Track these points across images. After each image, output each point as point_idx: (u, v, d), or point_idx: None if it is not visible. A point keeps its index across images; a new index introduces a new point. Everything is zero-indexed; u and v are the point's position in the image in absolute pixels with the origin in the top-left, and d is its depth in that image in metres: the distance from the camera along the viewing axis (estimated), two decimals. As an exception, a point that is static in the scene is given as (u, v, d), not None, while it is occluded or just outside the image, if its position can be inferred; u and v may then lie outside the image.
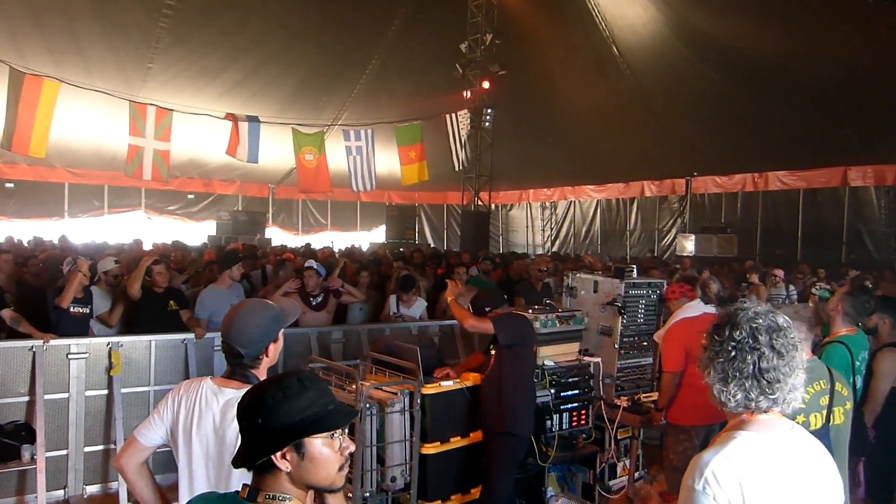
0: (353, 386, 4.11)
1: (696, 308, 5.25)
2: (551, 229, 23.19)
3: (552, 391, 5.08)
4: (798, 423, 3.18)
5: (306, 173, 15.78)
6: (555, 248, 22.02)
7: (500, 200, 23.98)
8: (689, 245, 16.78)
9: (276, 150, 17.24)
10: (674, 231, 19.06)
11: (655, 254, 18.55)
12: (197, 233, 20.07)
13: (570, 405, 5.19)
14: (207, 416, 2.43)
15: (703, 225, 17.57)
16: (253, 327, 2.49)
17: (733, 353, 1.83)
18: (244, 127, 14.77)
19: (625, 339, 5.85)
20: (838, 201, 15.51)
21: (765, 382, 1.80)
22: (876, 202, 14.91)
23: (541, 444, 4.99)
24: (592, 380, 5.43)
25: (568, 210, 22.66)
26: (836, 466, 1.95)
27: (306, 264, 7.31)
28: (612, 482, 5.80)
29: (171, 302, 6.31)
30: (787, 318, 1.92)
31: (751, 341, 1.83)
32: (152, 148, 13.79)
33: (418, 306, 7.39)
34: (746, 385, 1.81)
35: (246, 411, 1.73)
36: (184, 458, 2.47)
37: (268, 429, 1.70)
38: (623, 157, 18.36)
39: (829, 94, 12.76)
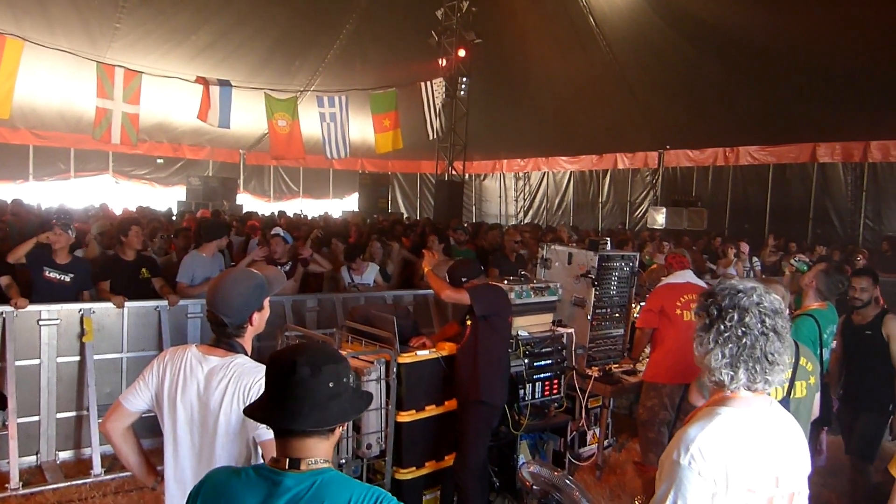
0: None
1: (682, 276, 5.44)
2: (524, 200, 23.25)
3: (525, 361, 5.15)
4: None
5: (279, 139, 15.60)
6: (528, 219, 22.10)
7: (473, 170, 23.94)
8: (659, 218, 16.98)
9: (248, 115, 16.97)
10: (646, 204, 19.25)
11: (627, 226, 18.74)
12: (166, 198, 19.74)
13: (542, 375, 5.27)
14: (192, 382, 2.44)
15: (674, 198, 17.77)
16: (236, 296, 2.49)
17: (745, 340, 1.84)
18: (215, 91, 14.52)
19: (597, 311, 5.94)
20: (806, 177, 15.77)
21: (767, 364, 1.84)
22: (843, 178, 15.19)
23: (514, 413, 5.07)
24: (565, 350, 5.51)
25: (541, 181, 22.72)
26: (804, 440, 2.01)
27: (273, 232, 7.27)
28: (582, 450, 5.94)
29: (143, 270, 6.24)
30: (778, 297, 1.96)
31: (760, 326, 1.85)
32: (121, 111, 13.52)
33: (370, 272, 7.44)
34: (756, 368, 1.84)
35: (336, 371, 1.72)
36: (168, 424, 2.48)
37: (358, 392, 1.80)
38: (597, 129, 18.42)
39: (800, 71, 12.91)
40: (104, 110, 13.32)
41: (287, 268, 6.96)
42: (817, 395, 3.75)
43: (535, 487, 4.83)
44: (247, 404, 2.00)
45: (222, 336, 2.51)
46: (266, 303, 2.59)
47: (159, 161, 20.73)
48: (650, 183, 19.40)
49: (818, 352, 4.44)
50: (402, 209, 24.20)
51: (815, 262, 6.69)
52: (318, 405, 1.68)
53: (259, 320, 2.56)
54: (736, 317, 1.86)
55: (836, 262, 7.97)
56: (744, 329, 1.85)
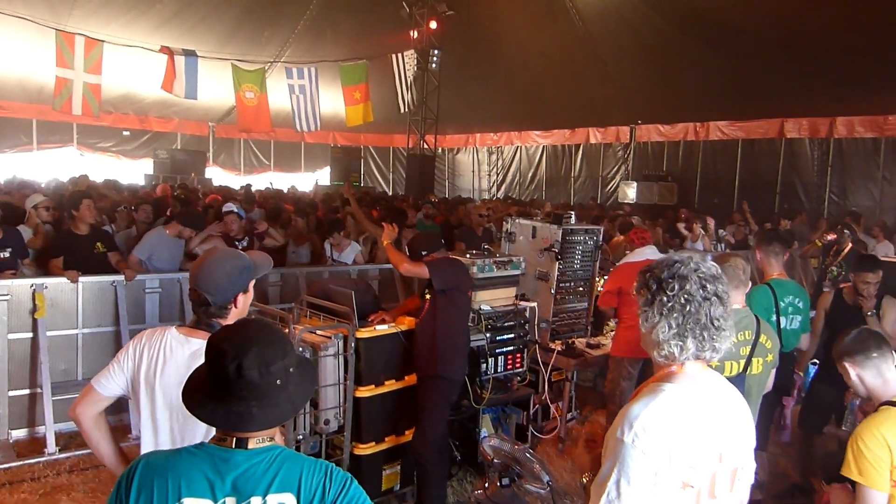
0: (287, 330, 4.06)
1: (641, 254, 5.47)
2: (497, 174, 23.20)
3: (487, 335, 5.15)
4: (713, 366, 3.32)
5: (246, 112, 15.33)
6: (501, 193, 22.07)
7: (446, 144, 23.79)
8: (630, 192, 17.04)
9: (217, 87, 16.60)
10: (617, 178, 19.29)
11: (598, 200, 18.79)
12: (133, 171, 19.38)
13: (505, 349, 5.28)
14: (171, 366, 2.36)
15: (645, 173, 17.84)
16: (222, 275, 2.42)
17: (689, 307, 1.82)
18: (181, 61, 14.18)
19: (561, 285, 5.93)
20: (774, 152, 15.90)
21: (714, 330, 1.81)
22: (810, 154, 15.34)
23: (475, 387, 5.08)
24: (528, 324, 5.51)
25: (514, 155, 22.66)
26: (749, 415, 2.01)
27: (225, 208, 7.13)
28: (544, 423, 5.97)
29: (98, 244, 6.09)
30: (716, 264, 1.93)
31: (702, 292, 1.82)
32: (82, 80, 13.14)
33: (350, 251, 7.36)
34: (704, 335, 1.82)
35: (284, 367, 1.65)
36: (146, 409, 2.40)
37: (303, 374, 1.75)
38: (569, 104, 18.34)
39: (769, 47, 12.92)
40: (64, 80, 12.93)
41: (244, 244, 6.86)
42: (772, 371, 3.78)
43: (495, 461, 4.86)
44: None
45: (204, 316, 2.43)
46: (251, 286, 2.52)
47: (126, 133, 20.33)
48: (622, 157, 19.44)
49: (775, 319, 4.47)
50: (374, 183, 24.05)
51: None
52: (268, 406, 1.62)
53: (243, 303, 2.49)
54: (676, 286, 1.84)
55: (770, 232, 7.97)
56: (686, 297, 1.82)
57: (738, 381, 3.41)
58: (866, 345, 2.81)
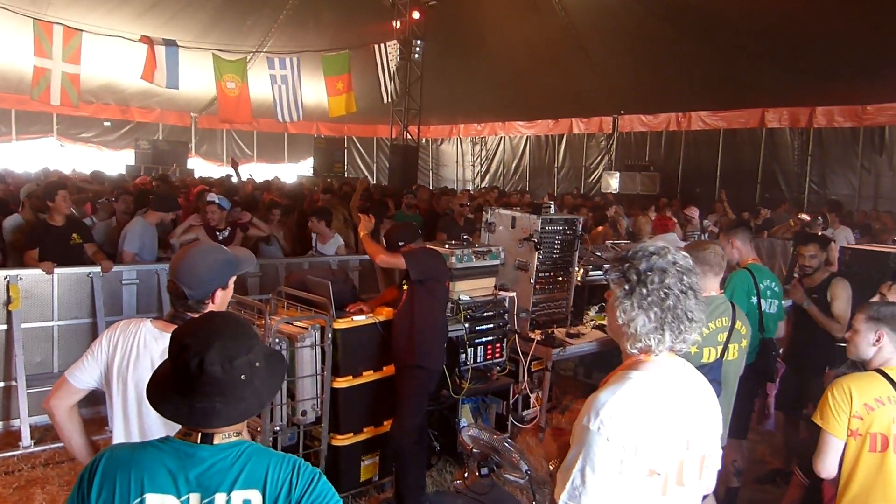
0: (263, 321, 4.04)
1: (664, 241, 5.47)
2: (481, 165, 23.19)
3: (466, 325, 5.15)
4: (692, 353, 3.34)
5: (227, 102, 15.24)
6: (485, 184, 22.07)
7: (430, 135, 23.75)
8: (613, 182, 17.10)
9: (199, 77, 16.47)
10: (600, 168, 19.35)
11: (582, 190, 18.83)
12: (114, 162, 19.17)
13: (484, 339, 5.28)
14: (145, 359, 2.33)
15: (628, 163, 17.90)
16: (203, 267, 2.38)
17: (668, 302, 1.81)
18: (161, 51, 14.07)
19: (541, 275, 5.92)
20: (755, 142, 16.02)
21: (688, 322, 1.82)
22: (790, 143, 15.47)
23: (455, 377, 5.08)
24: (507, 314, 5.52)
25: (498, 146, 22.66)
26: (717, 402, 2.01)
27: (208, 198, 7.07)
28: (525, 413, 5.98)
29: (75, 235, 6.02)
30: (685, 255, 1.94)
31: (679, 285, 1.83)
32: (60, 70, 13.00)
33: (333, 243, 7.34)
34: (679, 328, 1.82)
35: (248, 361, 1.61)
36: (118, 402, 2.37)
37: (271, 367, 1.71)
38: (552, 94, 18.36)
39: (750, 38, 12.99)
40: (42, 70, 12.79)
41: (225, 234, 6.81)
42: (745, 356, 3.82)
43: (474, 450, 4.86)
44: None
45: (180, 309, 2.39)
46: (231, 283, 2.48)
47: (106, 124, 20.15)
48: (605, 148, 19.49)
49: (756, 301, 4.53)
50: (358, 173, 23.94)
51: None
52: (232, 401, 1.58)
53: (221, 299, 2.44)
54: (656, 279, 1.83)
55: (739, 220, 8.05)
56: (665, 290, 1.82)
57: (716, 366, 3.45)
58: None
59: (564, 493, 1.76)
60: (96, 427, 2.33)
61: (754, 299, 4.56)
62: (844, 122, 14.51)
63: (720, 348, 3.51)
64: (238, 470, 1.59)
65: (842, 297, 4.84)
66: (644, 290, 1.83)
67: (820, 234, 7.77)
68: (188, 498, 1.56)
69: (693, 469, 1.87)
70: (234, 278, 2.49)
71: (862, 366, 3.04)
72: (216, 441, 1.60)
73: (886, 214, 11.50)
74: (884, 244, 7.51)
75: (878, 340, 2.88)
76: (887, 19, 10.97)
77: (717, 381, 3.45)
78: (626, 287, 1.86)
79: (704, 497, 3.67)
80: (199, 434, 1.60)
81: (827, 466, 2.81)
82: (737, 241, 4.82)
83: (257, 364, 1.63)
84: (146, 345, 2.35)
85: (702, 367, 3.36)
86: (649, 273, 1.83)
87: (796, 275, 5.44)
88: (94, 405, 5.19)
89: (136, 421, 2.36)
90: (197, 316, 2.34)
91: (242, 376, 1.58)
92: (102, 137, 20.14)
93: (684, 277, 1.84)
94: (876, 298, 3.90)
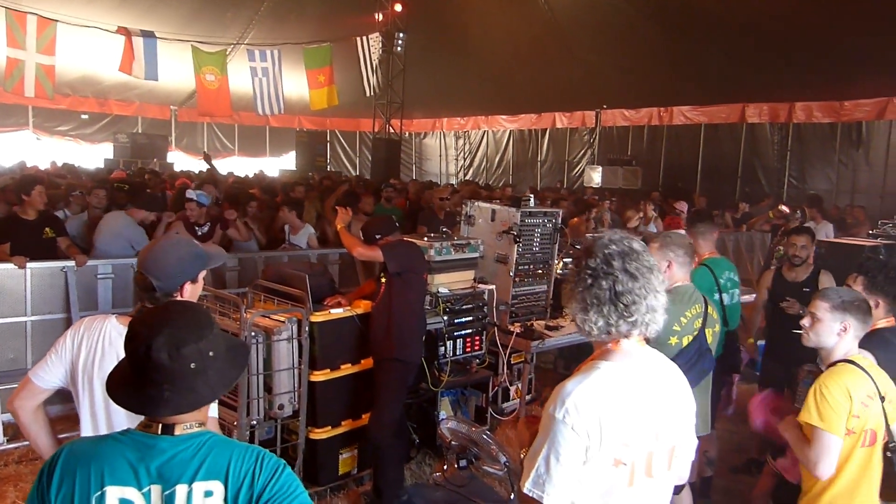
0: (239, 314, 4.01)
1: None
2: (465, 158, 23.18)
3: (445, 318, 5.14)
4: (671, 344, 3.36)
5: (207, 95, 15.08)
6: (468, 178, 22.06)
7: (413, 129, 23.69)
8: (596, 176, 17.17)
9: (179, 69, 16.26)
10: (583, 162, 19.40)
11: (565, 185, 18.89)
12: (92, 156, 18.94)
13: (463, 331, 5.28)
14: (111, 356, 2.27)
15: (611, 157, 17.96)
16: (173, 259, 2.33)
17: (590, 281, 1.84)
18: (139, 42, 13.87)
19: (520, 267, 5.93)
20: (736, 137, 16.14)
21: (622, 306, 1.81)
22: (770, 138, 15.59)
23: (434, 370, 5.07)
24: (486, 307, 5.52)
25: (481, 140, 22.65)
26: (689, 392, 2.01)
27: (187, 195, 7.00)
28: (505, 405, 6.00)
29: (47, 229, 5.93)
30: (642, 243, 1.93)
31: (605, 267, 1.83)
32: (34, 62, 12.78)
33: (304, 233, 7.30)
34: (605, 311, 1.82)
35: (198, 350, 1.57)
36: (85, 402, 2.32)
37: (231, 356, 1.67)
38: (536, 88, 18.36)
39: (731, 33, 13.07)
40: (16, 61, 12.56)
41: (205, 230, 6.76)
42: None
43: (453, 443, 4.85)
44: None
45: (148, 303, 2.33)
46: (201, 277, 2.43)
47: (84, 117, 19.89)
48: (588, 142, 19.54)
49: (718, 297, 4.56)
50: (341, 167, 23.85)
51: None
52: (182, 389, 1.55)
53: (190, 293, 2.38)
54: (583, 262, 1.87)
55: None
56: (589, 271, 1.85)
57: (691, 351, 3.49)
58: (869, 314, 2.89)
59: (529, 480, 1.77)
60: (71, 424, 2.29)
61: (717, 295, 4.58)
62: (823, 117, 14.65)
63: (697, 334, 3.54)
64: (200, 461, 1.56)
65: None
66: (579, 275, 1.87)
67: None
68: (149, 490, 1.53)
69: (662, 460, 1.87)
70: (204, 273, 2.45)
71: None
72: (177, 432, 1.57)
73: (858, 209, 11.67)
74: (856, 237, 7.60)
75: (843, 331, 2.87)
76: (865, 17, 11.10)
77: (708, 350, 3.50)
78: (575, 278, 1.90)
79: (680, 488, 3.72)
80: (160, 425, 1.57)
81: (828, 467, 2.69)
82: (697, 235, 4.86)
83: (211, 354, 1.59)
84: (111, 342, 2.30)
85: (686, 348, 3.41)
86: (585, 258, 1.88)
87: (774, 265, 5.49)
88: (68, 402, 5.14)
89: (104, 419, 2.32)
90: None
91: (192, 365, 1.55)
92: (80, 130, 19.89)
93: (613, 261, 1.84)
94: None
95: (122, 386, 1.60)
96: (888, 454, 2.77)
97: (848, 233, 9.33)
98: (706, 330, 3.60)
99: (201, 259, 2.43)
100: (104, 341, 2.30)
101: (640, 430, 1.80)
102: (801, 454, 2.81)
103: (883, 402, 2.73)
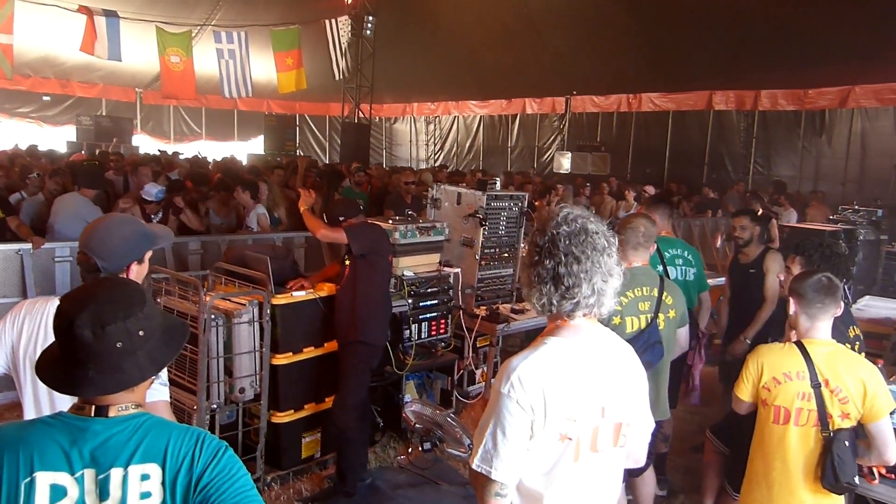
0: (198, 297, 3.95)
1: None
2: (435, 144, 23.10)
3: (410, 301, 5.12)
4: (616, 323, 3.38)
5: (171, 77, 14.85)
6: (439, 163, 21.99)
7: (383, 113, 23.53)
8: (565, 162, 17.24)
9: (144, 51, 15.96)
10: (553, 148, 19.45)
11: (535, 170, 18.92)
12: (55, 138, 18.49)
13: (429, 315, 5.27)
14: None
15: (580, 143, 18.03)
16: (118, 238, 2.24)
17: (536, 258, 1.85)
18: (101, 21, 13.59)
19: (486, 251, 5.93)
20: (703, 124, 16.30)
21: (563, 287, 1.81)
22: (736, 125, 15.78)
23: (399, 353, 5.06)
24: (452, 290, 5.51)
25: (452, 125, 22.58)
26: (641, 371, 2.02)
27: (143, 196, 6.90)
28: (470, 388, 6.01)
29: (-5, 210, 5.79)
30: (600, 223, 1.92)
31: (550, 247, 1.83)
32: (-10, 40, 12.43)
33: (254, 214, 7.19)
34: (544, 290, 1.83)
35: (125, 329, 1.50)
36: (28, 388, 2.24)
37: (167, 336, 1.61)
38: (506, 74, 18.33)
39: (699, 21, 13.17)
40: (-30, 40, 12.21)
41: (159, 216, 6.67)
42: (682, 330, 3.87)
43: (417, 426, 4.87)
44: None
45: None
46: (147, 257, 2.34)
47: (46, 98, 19.40)
48: (557, 128, 19.58)
49: (661, 270, 4.62)
50: (311, 152, 23.60)
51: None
52: (107, 369, 1.48)
53: (136, 274, 2.28)
54: (536, 240, 1.89)
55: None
56: (537, 250, 1.87)
57: (652, 331, 3.51)
58: (820, 292, 2.93)
59: (477, 456, 1.77)
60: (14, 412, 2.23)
61: (660, 267, 4.64)
62: (788, 105, 14.84)
63: (643, 318, 3.56)
64: (136, 444, 1.50)
65: (774, 269, 4.98)
66: (534, 255, 1.88)
67: (761, 212, 7.97)
68: (82, 474, 1.47)
69: (608, 436, 1.87)
70: (149, 253, 2.36)
71: None
72: (111, 414, 1.51)
73: (813, 195, 11.99)
74: (816, 223, 7.75)
75: (795, 313, 2.96)
76: (829, 6, 11.26)
77: (659, 342, 3.51)
78: (530, 256, 1.91)
79: (642, 470, 3.76)
80: (93, 407, 1.51)
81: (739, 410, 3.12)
82: (655, 216, 4.92)
83: (141, 333, 1.52)
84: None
85: (634, 338, 3.42)
86: (539, 238, 1.88)
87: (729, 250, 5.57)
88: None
89: (47, 406, 2.25)
90: None
91: (119, 344, 1.48)
92: (42, 112, 19.40)
93: (559, 242, 1.83)
94: (783, 274, 4.03)
95: (48, 364, 1.54)
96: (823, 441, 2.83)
97: (806, 218, 9.52)
98: (659, 315, 3.62)
99: (147, 238, 2.35)
100: (46, 324, 2.21)
101: (585, 405, 1.81)
102: None
103: (818, 387, 2.80)
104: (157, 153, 15.09)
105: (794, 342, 2.94)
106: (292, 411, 4.53)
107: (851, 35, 11.30)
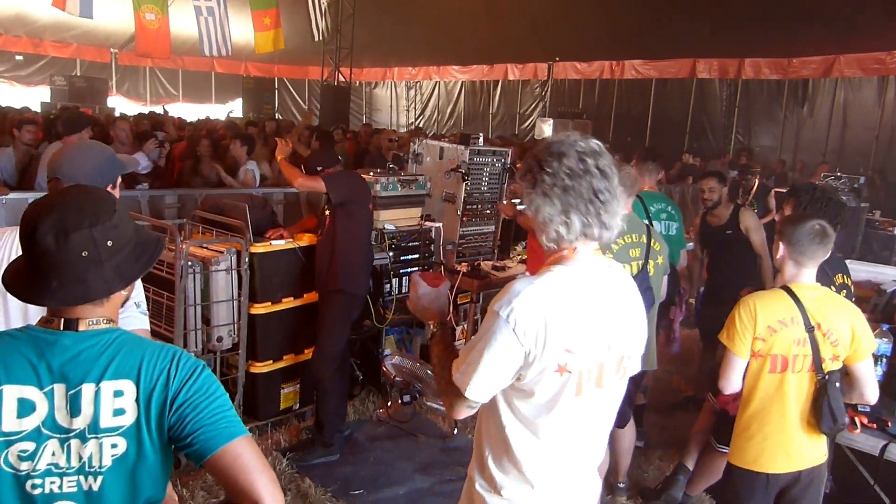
0: (174, 245, 3.86)
1: None
2: (416, 109, 22.90)
3: (391, 254, 5.07)
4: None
5: (146, 35, 14.47)
6: (419, 127, 21.83)
7: (363, 78, 23.25)
8: (547, 129, 17.11)
9: (119, 10, 15.55)
10: (535, 115, 19.35)
11: (517, 137, 18.84)
12: (28, 98, 18.03)
13: (409, 269, 5.21)
14: None
15: (561, 110, 17.95)
16: (90, 161, 2.20)
17: (569, 182, 1.72)
18: (73, -24, 13.16)
19: (468, 207, 5.87)
20: (686, 92, 16.28)
21: (599, 204, 1.72)
22: (719, 94, 15.78)
23: (379, 307, 5.01)
24: (433, 245, 5.46)
25: (433, 91, 22.37)
26: (642, 307, 1.96)
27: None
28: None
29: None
30: (598, 142, 1.85)
31: (581, 165, 1.72)
32: (-43, -6, 12.00)
33: (244, 170, 7.03)
34: (583, 209, 1.72)
35: (90, 237, 1.41)
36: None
37: (138, 250, 1.53)
38: (488, 40, 18.11)
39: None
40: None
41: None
42: (665, 277, 3.87)
43: (397, 379, 4.85)
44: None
45: None
46: (118, 184, 2.29)
47: (18, 58, 18.95)
48: (539, 95, 19.47)
49: (647, 223, 4.63)
50: (289, 115, 23.27)
51: None
52: (70, 279, 1.40)
53: None
54: (556, 163, 1.74)
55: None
56: (567, 171, 1.72)
57: (642, 278, 3.50)
58: (813, 240, 2.82)
59: (460, 370, 1.74)
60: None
61: (645, 220, 4.64)
62: (771, 74, 14.87)
63: (634, 265, 3.54)
64: (108, 359, 1.44)
65: (755, 226, 4.99)
66: (545, 177, 1.74)
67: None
68: (52, 389, 1.41)
69: (612, 370, 1.82)
70: (119, 180, 2.31)
71: None
72: (82, 328, 1.44)
73: (779, 162, 12.15)
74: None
75: (782, 257, 2.90)
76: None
77: (650, 288, 3.49)
78: (531, 178, 1.78)
79: (624, 422, 3.76)
80: (62, 320, 1.44)
81: (731, 383, 2.86)
82: (644, 171, 4.92)
83: (109, 244, 1.44)
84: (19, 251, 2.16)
85: None
86: (549, 159, 1.75)
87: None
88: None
89: (20, 325, 2.19)
90: None
91: (84, 253, 1.40)
92: (14, 72, 19.00)
93: (587, 158, 1.73)
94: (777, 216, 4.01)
95: (14, 273, 1.47)
96: (817, 385, 2.76)
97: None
98: (649, 262, 3.61)
99: (116, 164, 2.31)
100: (12, 254, 2.14)
101: (590, 338, 1.75)
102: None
103: (812, 331, 2.74)
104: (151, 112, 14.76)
105: (781, 287, 2.89)
106: (271, 362, 4.47)
107: (836, 3, 11.27)
